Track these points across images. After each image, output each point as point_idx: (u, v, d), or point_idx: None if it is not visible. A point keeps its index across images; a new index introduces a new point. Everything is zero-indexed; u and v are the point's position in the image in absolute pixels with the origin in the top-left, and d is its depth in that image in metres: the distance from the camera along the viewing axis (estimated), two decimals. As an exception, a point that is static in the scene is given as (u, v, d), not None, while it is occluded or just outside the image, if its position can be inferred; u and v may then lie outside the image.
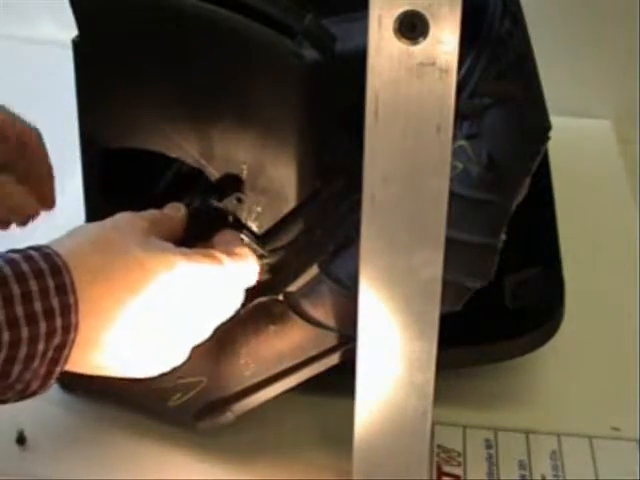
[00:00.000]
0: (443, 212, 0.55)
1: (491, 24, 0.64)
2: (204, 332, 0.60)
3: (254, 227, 0.64)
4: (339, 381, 0.63)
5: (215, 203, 0.63)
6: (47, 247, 0.54)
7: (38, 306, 0.51)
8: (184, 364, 0.60)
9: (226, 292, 0.60)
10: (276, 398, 0.67)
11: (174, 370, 0.60)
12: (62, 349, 0.53)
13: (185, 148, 0.63)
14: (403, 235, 0.56)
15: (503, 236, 0.63)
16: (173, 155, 0.64)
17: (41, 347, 0.52)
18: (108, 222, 0.58)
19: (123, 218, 0.59)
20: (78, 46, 0.64)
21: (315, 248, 0.64)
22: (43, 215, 0.67)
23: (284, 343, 0.66)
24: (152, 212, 0.61)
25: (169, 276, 0.56)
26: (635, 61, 1.05)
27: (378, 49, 0.51)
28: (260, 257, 0.64)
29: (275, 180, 0.63)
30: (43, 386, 0.54)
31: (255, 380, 0.67)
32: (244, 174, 0.63)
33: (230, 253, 0.60)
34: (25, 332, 0.51)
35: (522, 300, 0.74)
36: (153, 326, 0.57)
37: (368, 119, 0.53)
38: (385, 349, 0.59)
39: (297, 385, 0.67)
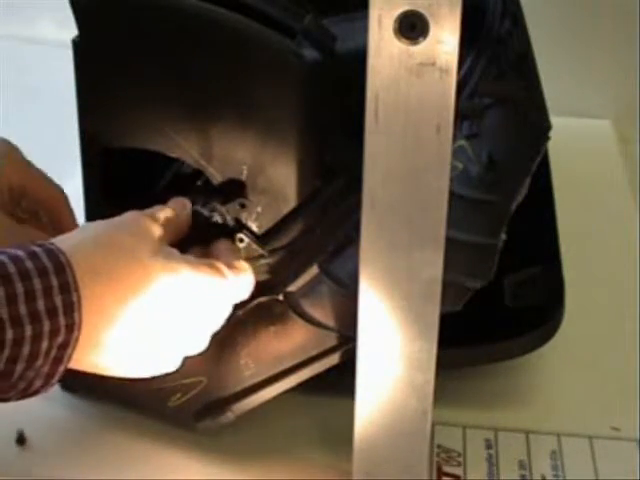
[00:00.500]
0: (443, 212, 0.55)
1: (491, 24, 0.65)
2: (198, 340, 0.60)
3: (254, 227, 0.64)
4: (339, 381, 0.63)
5: (218, 207, 0.63)
6: (51, 243, 0.54)
7: (41, 304, 0.51)
8: (183, 365, 0.60)
9: (222, 303, 0.61)
10: (276, 398, 0.67)
11: (174, 370, 0.60)
12: (65, 347, 0.53)
13: (185, 148, 0.63)
14: (403, 235, 0.56)
15: (503, 236, 0.63)
16: (173, 155, 0.64)
17: (44, 345, 0.52)
18: (116, 222, 0.58)
19: (132, 220, 0.59)
20: (78, 46, 0.64)
21: (315, 248, 0.64)
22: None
23: (284, 343, 0.66)
24: (159, 211, 0.61)
25: (172, 282, 0.57)
26: (635, 61, 1.05)
27: (378, 49, 0.51)
28: (260, 257, 0.64)
29: (275, 180, 0.63)
30: (46, 385, 0.54)
31: (255, 380, 0.67)
32: (244, 174, 0.63)
33: (231, 266, 0.61)
34: (29, 330, 0.51)
35: (522, 300, 0.74)
36: (151, 329, 0.57)
37: (368, 119, 0.53)
38: (385, 349, 0.59)
39: (297, 385, 0.67)
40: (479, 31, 0.64)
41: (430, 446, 0.68)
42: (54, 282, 0.52)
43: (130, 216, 0.59)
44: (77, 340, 0.53)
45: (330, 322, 0.65)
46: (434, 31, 0.50)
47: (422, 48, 0.51)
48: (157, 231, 0.59)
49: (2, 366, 0.51)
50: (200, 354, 0.61)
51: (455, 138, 0.56)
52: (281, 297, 0.65)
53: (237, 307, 0.65)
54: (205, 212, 0.63)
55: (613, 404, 0.73)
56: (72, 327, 0.52)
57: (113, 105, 0.64)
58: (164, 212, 0.61)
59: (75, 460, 0.69)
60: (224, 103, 0.62)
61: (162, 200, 0.64)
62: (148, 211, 0.61)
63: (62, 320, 0.52)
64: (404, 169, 0.54)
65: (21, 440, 0.69)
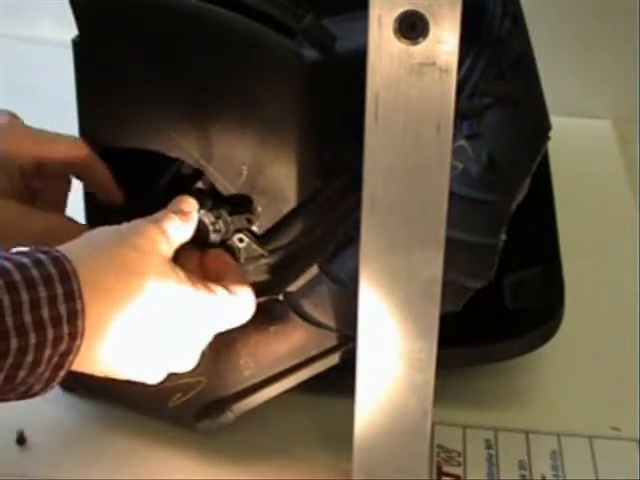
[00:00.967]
0: (443, 212, 0.55)
1: (491, 24, 0.65)
2: (188, 359, 0.60)
3: (254, 227, 0.64)
4: (339, 381, 0.63)
5: (224, 214, 0.63)
6: (57, 251, 0.54)
7: (46, 313, 0.51)
8: None
9: (219, 326, 0.61)
10: (276, 398, 0.67)
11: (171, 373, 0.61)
12: (67, 355, 0.53)
13: (185, 148, 0.63)
14: (403, 235, 0.56)
15: (503, 236, 0.63)
16: (173, 155, 0.64)
17: (47, 353, 0.52)
18: (124, 233, 0.57)
19: (140, 233, 0.58)
20: (78, 46, 0.64)
21: (315, 248, 0.64)
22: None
23: (284, 343, 0.66)
24: (169, 221, 0.60)
25: (171, 302, 0.57)
26: (635, 61, 1.05)
27: (378, 49, 0.51)
28: (260, 257, 0.64)
29: (275, 180, 0.63)
30: (45, 389, 0.54)
31: (255, 380, 0.67)
32: (244, 174, 0.63)
33: (233, 291, 0.60)
34: (33, 339, 0.51)
35: (522, 300, 0.73)
36: (143, 343, 0.57)
37: (368, 119, 0.53)
38: (385, 349, 0.59)
39: (297, 385, 0.67)
40: (479, 31, 0.64)
41: (430, 446, 0.68)
42: (59, 290, 0.52)
43: (139, 228, 0.58)
44: (79, 347, 0.53)
45: (330, 322, 0.65)
46: (434, 31, 0.50)
47: (422, 48, 0.51)
48: (165, 247, 0.58)
49: (5, 373, 0.51)
50: (200, 354, 0.61)
51: (455, 138, 0.56)
52: (281, 297, 0.65)
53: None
54: (210, 217, 0.63)
55: (613, 404, 0.73)
56: (75, 335, 0.53)
57: (113, 105, 0.64)
58: (173, 222, 0.60)
59: (75, 460, 0.69)
60: (224, 103, 0.62)
61: (162, 200, 0.64)
62: (158, 220, 0.59)
63: (66, 329, 0.52)
64: (404, 169, 0.54)
65: (21, 440, 0.69)
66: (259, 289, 0.64)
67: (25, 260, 0.52)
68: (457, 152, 0.62)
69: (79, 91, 0.65)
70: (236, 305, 0.60)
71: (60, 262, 0.53)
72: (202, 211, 0.63)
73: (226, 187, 0.63)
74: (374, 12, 0.50)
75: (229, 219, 0.63)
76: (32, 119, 0.66)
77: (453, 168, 0.60)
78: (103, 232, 0.58)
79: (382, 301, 0.58)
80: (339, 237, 0.64)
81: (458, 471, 0.68)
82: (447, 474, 0.68)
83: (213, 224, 0.63)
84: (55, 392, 0.71)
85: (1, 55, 1.12)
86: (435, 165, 0.54)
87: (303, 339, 0.66)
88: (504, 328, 0.71)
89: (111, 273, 0.55)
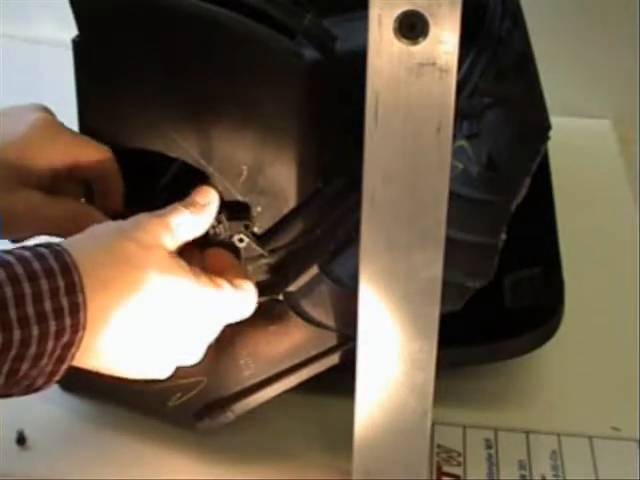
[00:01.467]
0: (443, 212, 0.55)
1: (491, 24, 0.65)
2: (193, 352, 0.60)
3: (254, 227, 0.64)
4: (339, 381, 0.63)
5: (224, 218, 0.63)
6: (58, 244, 0.54)
7: (48, 305, 0.52)
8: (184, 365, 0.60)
9: (223, 320, 0.61)
10: (276, 398, 0.67)
11: (174, 370, 0.60)
12: (70, 347, 0.53)
13: (185, 148, 0.63)
14: (403, 235, 0.56)
15: (503, 236, 0.63)
16: (173, 155, 0.64)
17: (50, 346, 0.52)
18: (128, 228, 0.58)
19: (144, 228, 0.58)
20: (78, 46, 0.64)
21: (315, 248, 0.64)
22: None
23: (284, 343, 0.66)
24: (175, 215, 0.60)
25: (174, 296, 0.57)
26: (635, 61, 1.05)
27: (378, 49, 0.51)
28: (260, 257, 0.64)
29: (275, 180, 0.63)
30: (48, 382, 0.54)
31: (255, 380, 0.67)
32: (244, 174, 0.63)
33: (236, 284, 0.60)
34: (35, 331, 0.51)
35: (522, 300, 0.74)
36: (148, 337, 0.57)
37: (368, 119, 0.53)
38: (385, 349, 0.59)
39: (297, 385, 0.67)
40: (479, 31, 0.64)
41: (430, 446, 0.68)
42: (60, 283, 0.52)
43: (144, 222, 0.58)
44: (81, 340, 0.53)
45: (330, 322, 0.65)
46: (434, 31, 0.50)
47: (422, 48, 0.51)
48: (169, 241, 0.58)
49: (9, 365, 0.51)
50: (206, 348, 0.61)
51: (455, 138, 0.56)
52: (281, 297, 0.65)
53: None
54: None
55: (613, 404, 0.73)
56: (77, 327, 0.53)
57: (113, 105, 0.64)
58: (180, 216, 0.60)
59: (75, 460, 0.69)
60: (224, 103, 0.62)
61: (162, 200, 0.64)
62: (163, 214, 0.59)
63: (68, 320, 0.52)
64: (404, 169, 0.54)
65: (21, 440, 0.69)
66: (259, 289, 0.64)
67: (27, 254, 0.52)
68: (457, 152, 0.62)
69: (79, 91, 0.65)
70: (240, 298, 0.60)
71: (61, 255, 0.53)
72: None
73: (226, 187, 0.63)
74: (374, 12, 0.50)
75: (227, 224, 0.64)
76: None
77: (453, 168, 0.60)
78: (106, 227, 0.58)
79: (382, 301, 0.58)
80: (339, 237, 0.64)
81: (458, 471, 0.68)
82: (447, 474, 0.68)
83: (213, 228, 0.63)
84: (55, 392, 0.72)
85: (1, 55, 1.12)
86: (435, 165, 0.54)
87: (303, 339, 0.66)
88: (504, 328, 0.71)
89: (112, 266, 0.55)
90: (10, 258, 0.52)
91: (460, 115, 0.61)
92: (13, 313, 0.50)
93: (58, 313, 0.52)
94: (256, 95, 0.62)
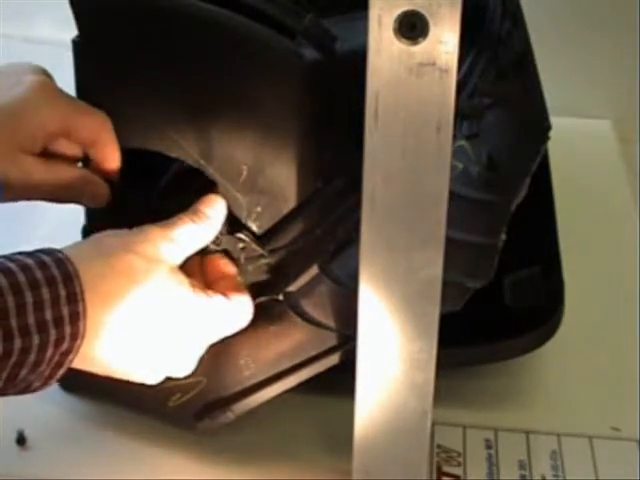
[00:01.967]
0: (443, 212, 0.55)
1: (491, 24, 0.65)
2: (187, 363, 0.61)
3: (254, 227, 0.64)
4: (339, 381, 0.63)
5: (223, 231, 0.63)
6: (60, 252, 0.54)
7: (49, 314, 0.52)
8: None
9: (220, 332, 0.61)
10: (276, 398, 0.67)
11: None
12: (68, 354, 0.54)
13: (185, 148, 0.63)
14: (403, 235, 0.56)
15: (503, 236, 0.63)
16: (173, 155, 0.64)
17: (49, 353, 0.52)
18: (132, 240, 0.57)
19: (149, 241, 0.58)
20: (78, 46, 0.64)
21: (315, 248, 0.64)
22: (42, 215, 0.66)
23: (284, 343, 0.66)
24: (181, 228, 0.60)
25: (173, 309, 0.58)
26: (635, 61, 1.05)
27: (378, 49, 0.51)
28: (260, 257, 0.64)
29: (275, 180, 0.63)
30: (45, 385, 0.55)
31: (255, 380, 0.67)
32: (244, 174, 0.63)
33: (232, 297, 0.61)
34: (36, 339, 0.51)
35: (522, 300, 0.74)
36: (143, 349, 0.58)
37: (368, 119, 0.53)
38: (385, 349, 0.59)
39: (297, 385, 0.67)
40: (479, 31, 0.64)
41: (430, 446, 0.68)
42: (62, 292, 0.52)
43: (146, 234, 0.58)
44: (79, 347, 0.54)
45: (330, 322, 0.65)
46: (434, 31, 0.50)
47: (422, 48, 0.51)
48: (173, 255, 0.59)
49: (8, 371, 0.51)
50: (198, 360, 0.61)
51: (455, 138, 0.56)
52: (281, 297, 0.65)
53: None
54: None
55: (613, 404, 0.73)
56: (76, 335, 0.53)
57: (113, 105, 0.64)
58: (184, 228, 0.60)
59: (75, 460, 0.69)
60: (224, 103, 0.62)
61: (161, 199, 0.64)
62: (167, 225, 0.59)
63: (67, 329, 0.53)
64: (404, 169, 0.54)
65: (21, 440, 0.69)
66: (259, 289, 0.64)
67: (29, 261, 0.52)
68: (457, 152, 0.62)
69: (79, 91, 0.65)
70: (233, 312, 0.61)
71: (63, 264, 0.53)
72: None
73: (226, 187, 0.63)
74: (374, 12, 0.50)
75: (223, 238, 0.64)
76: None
77: (453, 168, 0.60)
78: (110, 236, 0.58)
79: (382, 301, 0.58)
80: (339, 237, 0.64)
81: (458, 471, 0.68)
82: (447, 474, 0.68)
83: (216, 236, 0.63)
84: (55, 392, 0.72)
85: (1, 55, 1.12)
86: (435, 165, 0.54)
87: (303, 339, 0.66)
88: (504, 328, 0.71)
89: (112, 279, 0.55)
90: (12, 265, 0.52)
91: (460, 115, 0.61)
92: (14, 322, 0.50)
93: (58, 322, 0.52)
94: (256, 95, 0.62)
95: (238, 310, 0.61)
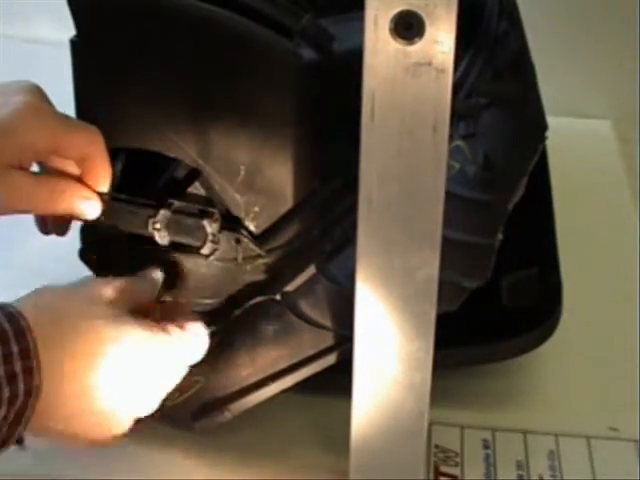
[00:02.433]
0: (439, 212, 0.55)
1: (488, 24, 0.65)
2: (150, 402, 0.60)
3: (252, 227, 0.64)
4: (336, 381, 0.63)
5: (215, 223, 0.63)
6: (11, 306, 0.54)
7: (1, 371, 0.51)
8: None
9: (175, 365, 0.61)
10: (273, 398, 0.67)
11: None
12: (23, 412, 0.52)
13: (183, 148, 0.63)
14: (400, 235, 0.56)
15: (500, 236, 0.63)
16: (172, 155, 0.64)
17: (3, 412, 0.51)
18: (70, 289, 0.59)
19: (85, 285, 0.59)
20: (76, 46, 0.64)
21: (312, 248, 0.64)
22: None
23: (281, 343, 0.66)
24: (116, 280, 0.60)
25: (123, 345, 0.57)
26: (635, 61, 1.05)
27: (374, 49, 0.51)
28: (257, 257, 0.64)
29: (273, 180, 0.63)
30: (5, 445, 0.54)
31: (252, 380, 0.67)
32: (242, 174, 0.63)
33: (184, 328, 0.61)
34: None
35: (520, 300, 0.73)
36: (103, 392, 0.56)
37: (364, 119, 0.53)
38: (382, 349, 0.59)
39: (294, 385, 0.67)
40: (476, 31, 0.64)
41: (427, 446, 0.68)
42: (14, 348, 0.52)
43: (84, 281, 0.60)
44: (34, 404, 0.53)
45: (327, 322, 0.65)
46: (430, 31, 0.50)
47: (418, 48, 0.51)
48: (109, 295, 0.59)
49: None
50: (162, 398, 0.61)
51: (452, 138, 0.57)
52: (278, 297, 0.65)
53: (235, 307, 0.65)
54: (215, 227, 0.63)
55: (611, 404, 0.73)
56: (30, 392, 0.52)
57: (111, 105, 0.64)
58: (120, 282, 0.60)
59: (75, 460, 0.69)
60: (222, 103, 0.62)
61: (161, 199, 0.64)
62: (110, 280, 0.60)
63: (21, 386, 0.52)
64: (400, 169, 0.54)
65: (21, 440, 0.69)
66: (257, 289, 0.64)
67: None
68: (454, 152, 0.62)
69: (77, 91, 0.65)
70: (189, 340, 0.61)
71: (15, 319, 0.53)
72: (208, 220, 0.63)
73: (224, 187, 0.63)
74: (370, 12, 0.50)
75: (220, 235, 0.64)
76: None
77: (450, 168, 0.60)
78: (52, 289, 0.58)
79: (379, 301, 0.58)
80: (336, 237, 0.64)
81: (455, 471, 0.68)
82: (444, 474, 0.68)
83: (214, 235, 0.63)
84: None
85: (1, 55, 1.12)
86: (431, 165, 0.54)
87: (300, 339, 0.66)
88: (501, 328, 0.71)
89: (58, 325, 0.55)
90: None
91: (457, 115, 0.61)
92: None
93: (11, 379, 0.51)
94: (254, 95, 0.62)
95: (192, 337, 0.61)
